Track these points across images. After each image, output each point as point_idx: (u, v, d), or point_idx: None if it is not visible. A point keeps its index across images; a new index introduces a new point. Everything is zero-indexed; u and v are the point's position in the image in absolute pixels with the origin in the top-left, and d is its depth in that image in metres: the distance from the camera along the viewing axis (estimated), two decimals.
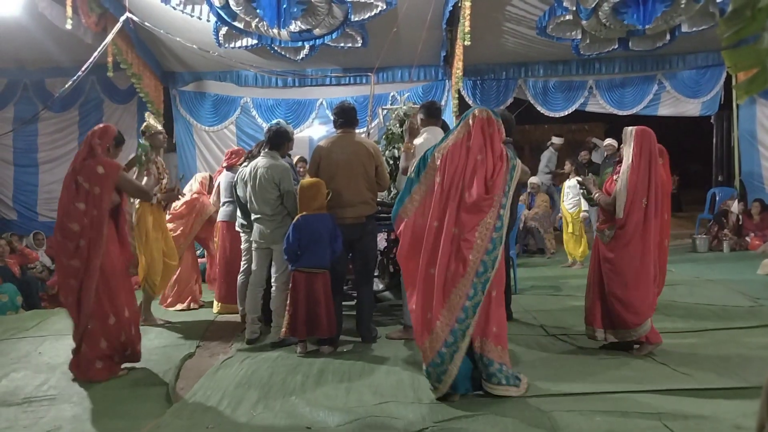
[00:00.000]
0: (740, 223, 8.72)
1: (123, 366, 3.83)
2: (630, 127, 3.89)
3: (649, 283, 3.85)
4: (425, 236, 3.20)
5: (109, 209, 3.72)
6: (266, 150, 4.54)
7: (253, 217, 4.52)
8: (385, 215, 4.54)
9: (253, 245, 4.58)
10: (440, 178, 3.22)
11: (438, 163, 3.26)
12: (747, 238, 8.61)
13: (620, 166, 3.92)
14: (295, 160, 6.21)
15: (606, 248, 3.90)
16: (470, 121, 3.31)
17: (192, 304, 5.81)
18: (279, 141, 4.55)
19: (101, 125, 3.92)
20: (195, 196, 5.88)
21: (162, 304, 5.74)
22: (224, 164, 5.81)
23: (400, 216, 3.34)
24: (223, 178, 5.70)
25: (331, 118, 4.75)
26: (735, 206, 8.86)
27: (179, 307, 5.77)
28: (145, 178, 4.06)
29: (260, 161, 4.48)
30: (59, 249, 3.71)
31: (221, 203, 5.66)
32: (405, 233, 3.30)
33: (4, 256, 6.55)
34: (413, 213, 3.29)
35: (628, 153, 3.82)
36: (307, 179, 4.36)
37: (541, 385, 3.30)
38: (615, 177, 3.95)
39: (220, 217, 5.68)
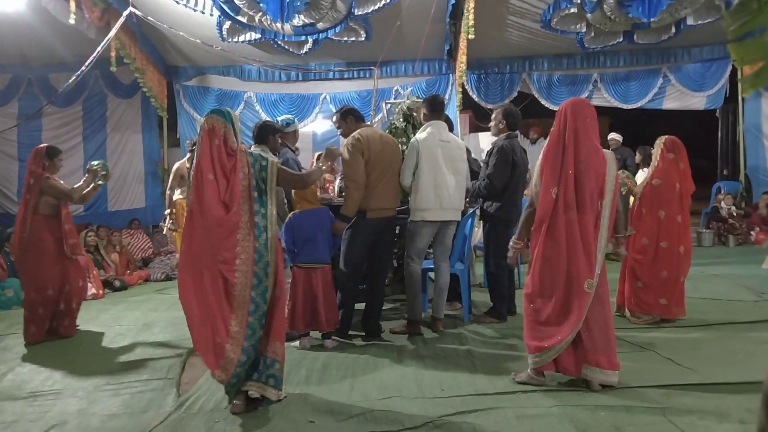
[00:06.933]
0: (735, 216, 8.69)
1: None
2: None
3: (559, 307, 3.04)
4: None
5: (51, 208, 4.58)
6: (255, 145, 4.43)
7: None
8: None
9: None
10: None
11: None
12: (752, 233, 8.59)
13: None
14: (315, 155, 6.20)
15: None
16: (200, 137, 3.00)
17: None
18: (262, 134, 4.25)
19: (35, 148, 4.67)
20: None
21: None
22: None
23: None
24: None
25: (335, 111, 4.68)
26: (725, 202, 8.84)
27: None
28: (78, 183, 4.68)
29: None
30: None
31: None
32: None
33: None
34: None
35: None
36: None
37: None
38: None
39: None
